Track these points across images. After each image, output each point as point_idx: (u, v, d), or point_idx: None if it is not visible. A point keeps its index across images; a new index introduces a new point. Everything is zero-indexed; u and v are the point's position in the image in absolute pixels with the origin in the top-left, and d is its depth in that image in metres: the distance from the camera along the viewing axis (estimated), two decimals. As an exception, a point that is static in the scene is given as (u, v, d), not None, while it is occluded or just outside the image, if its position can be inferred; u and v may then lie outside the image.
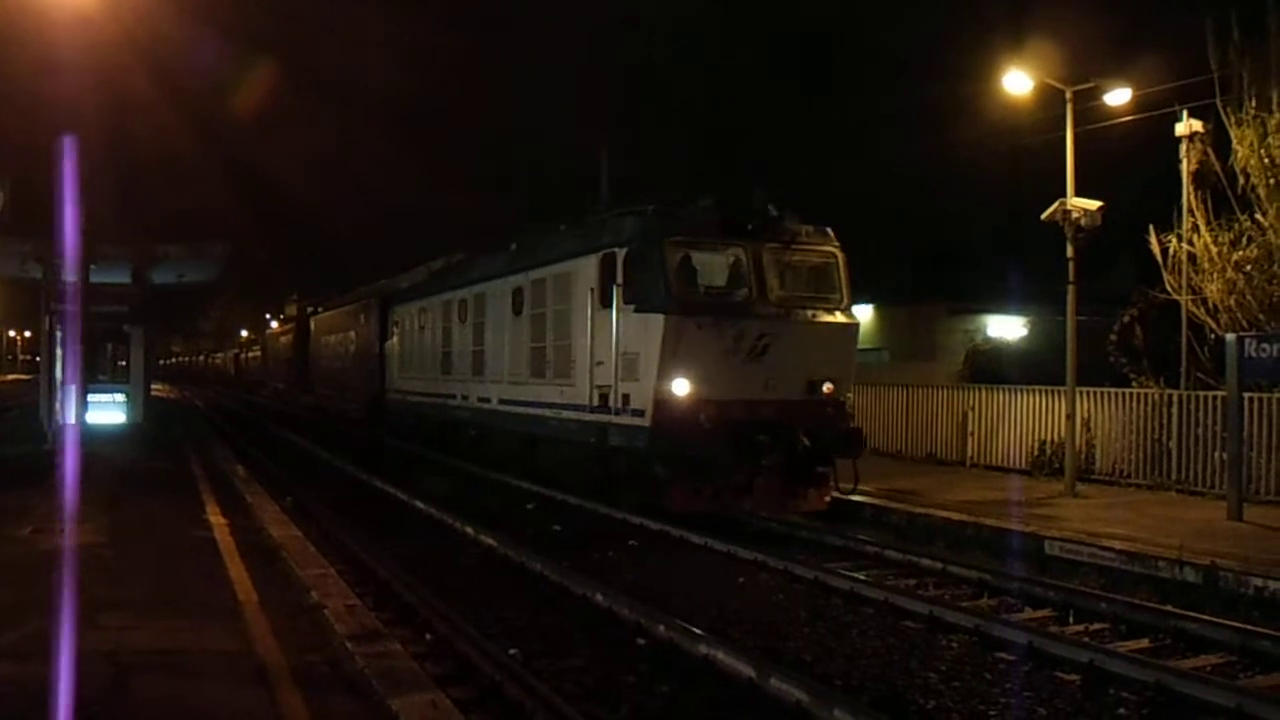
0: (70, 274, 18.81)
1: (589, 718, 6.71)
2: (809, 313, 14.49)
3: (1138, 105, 18.61)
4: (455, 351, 22.12)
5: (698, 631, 8.39)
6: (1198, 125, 17.74)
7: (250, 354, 69.07)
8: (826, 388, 14.34)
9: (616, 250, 14.65)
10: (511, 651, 8.08)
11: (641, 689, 7.56)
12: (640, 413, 13.86)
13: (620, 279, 14.46)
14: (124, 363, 24.99)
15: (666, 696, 7.45)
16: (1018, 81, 18.12)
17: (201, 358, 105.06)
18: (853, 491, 14.41)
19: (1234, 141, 17.13)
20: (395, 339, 27.35)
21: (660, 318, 13.58)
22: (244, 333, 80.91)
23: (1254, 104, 16.98)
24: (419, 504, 16.00)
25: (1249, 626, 8.87)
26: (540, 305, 17.42)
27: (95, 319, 20.35)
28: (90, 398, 19.59)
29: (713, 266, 14.48)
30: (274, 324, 59.93)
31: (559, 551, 12.17)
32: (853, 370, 15.42)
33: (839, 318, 14.83)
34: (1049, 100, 18.42)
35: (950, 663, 8.28)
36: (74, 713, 5.68)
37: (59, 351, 20.48)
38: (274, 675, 6.53)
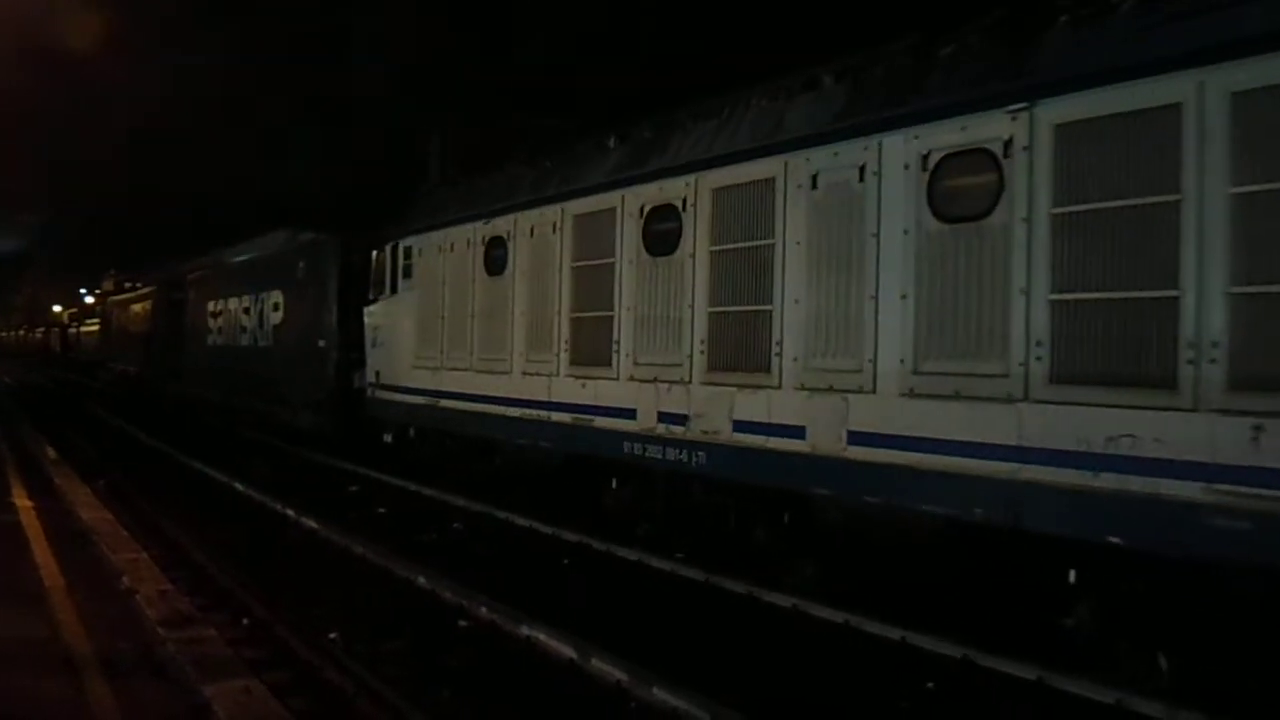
0: None
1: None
2: None
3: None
4: (626, 317, 10.66)
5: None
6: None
7: (85, 328, 55.26)
8: None
9: None
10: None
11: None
12: None
13: None
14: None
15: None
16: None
17: (21, 332, 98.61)
18: None
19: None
20: (405, 301, 15.46)
21: None
22: (56, 308, 75.86)
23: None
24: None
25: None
26: (1145, 187, 6.31)
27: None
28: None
29: None
30: (89, 299, 54.72)
31: None
32: None
33: None
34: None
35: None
36: None
37: None
38: (81, 663, 6.38)
